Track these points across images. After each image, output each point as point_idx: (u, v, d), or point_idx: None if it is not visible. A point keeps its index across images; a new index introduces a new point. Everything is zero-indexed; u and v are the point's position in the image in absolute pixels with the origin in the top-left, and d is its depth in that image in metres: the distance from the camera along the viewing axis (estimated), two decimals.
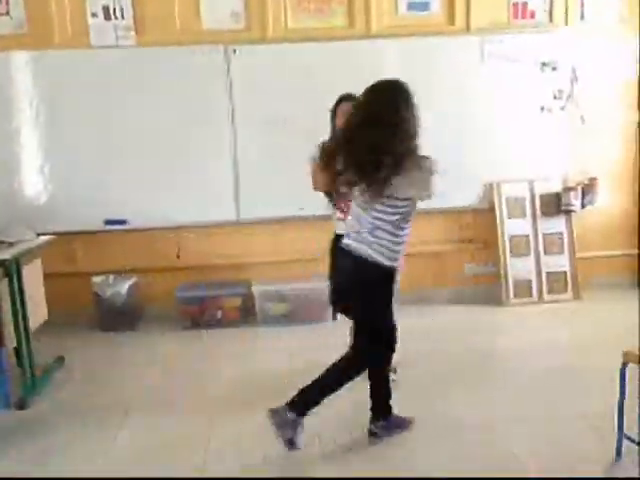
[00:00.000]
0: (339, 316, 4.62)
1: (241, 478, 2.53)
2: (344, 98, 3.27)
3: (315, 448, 2.74)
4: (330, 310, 4.61)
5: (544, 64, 4.74)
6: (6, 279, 3.23)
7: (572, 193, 4.82)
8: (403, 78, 4.56)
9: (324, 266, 4.82)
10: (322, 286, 4.59)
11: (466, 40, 4.71)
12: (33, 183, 4.56)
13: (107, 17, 4.49)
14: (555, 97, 4.78)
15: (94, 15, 4.48)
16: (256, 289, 4.58)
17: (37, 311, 3.66)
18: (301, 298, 4.57)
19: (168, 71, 4.50)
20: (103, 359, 4.04)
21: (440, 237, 4.98)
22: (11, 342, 3.28)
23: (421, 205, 4.73)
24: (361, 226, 2.65)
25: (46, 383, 3.60)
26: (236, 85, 4.56)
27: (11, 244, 3.52)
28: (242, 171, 4.66)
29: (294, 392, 2.69)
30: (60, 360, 3.91)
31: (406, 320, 4.50)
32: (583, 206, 4.85)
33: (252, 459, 2.68)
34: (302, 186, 4.65)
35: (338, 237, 2.96)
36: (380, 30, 4.69)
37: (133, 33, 4.53)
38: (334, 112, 3.34)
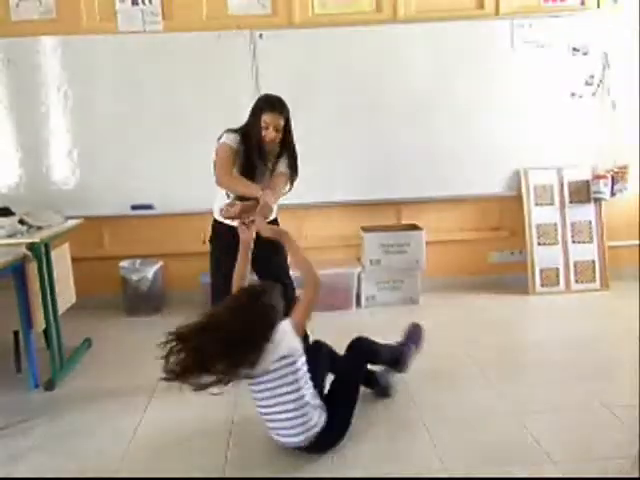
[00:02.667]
0: (364, 303, 4.66)
1: (242, 478, 2.54)
2: (271, 108, 3.20)
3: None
4: (354, 297, 4.63)
5: (575, 49, 4.65)
6: (35, 262, 3.28)
7: (602, 181, 4.73)
8: (431, 63, 4.59)
9: (347, 252, 4.87)
10: (347, 273, 4.60)
11: (495, 24, 4.63)
12: (61, 168, 4.61)
13: (134, 2, 4.50)
14: (586, 83, 4.68)
15: (121, 0, 4.50)
16: None
17: (65, 294, 3.72)
18: (325, 285, 4.55)
19: (195, 56, 4.51)
20: (129, 342, 4.10)
21: (466, 225, 4.95)
22: (40, 324, 3.34)
23: (447, 192, 4.76)
24: None
25: (74, 365, 3.67)
26: (262, 70, 4.54)
27: (40, 228, 3.57)
28: None
29: None
30: (87, 342, 3.98)
31: (431, 309, 4.56)
32: (613, 194, 4.77)
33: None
34: (328, 172, 4.68)
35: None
36: (407, 14, 4.64)
37: (160, 18, 4.54)
38: (256, 114, 3.26)
